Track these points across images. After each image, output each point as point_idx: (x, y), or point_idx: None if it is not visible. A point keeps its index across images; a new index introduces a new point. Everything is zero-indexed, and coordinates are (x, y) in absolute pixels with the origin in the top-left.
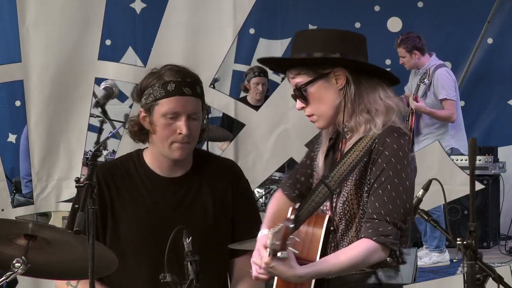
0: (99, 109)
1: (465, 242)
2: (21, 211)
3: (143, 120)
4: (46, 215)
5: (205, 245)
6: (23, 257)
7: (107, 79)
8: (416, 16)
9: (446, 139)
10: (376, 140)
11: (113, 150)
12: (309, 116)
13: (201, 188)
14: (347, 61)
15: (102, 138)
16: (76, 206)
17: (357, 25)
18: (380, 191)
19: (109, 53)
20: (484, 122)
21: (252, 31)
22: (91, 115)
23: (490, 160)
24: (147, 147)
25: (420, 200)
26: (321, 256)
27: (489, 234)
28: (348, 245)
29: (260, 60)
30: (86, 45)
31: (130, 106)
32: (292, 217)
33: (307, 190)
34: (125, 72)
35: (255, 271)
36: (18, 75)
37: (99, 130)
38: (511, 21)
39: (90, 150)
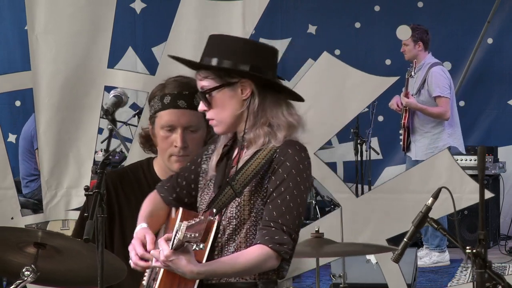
0: (109, 117)
1: (474, 251)
2: (30, 220)
3: (151, 131)
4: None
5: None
6: (32, 265)
7: (116, 87)
8: (416, 16)
9: (444, 138)
10: (278, 151)
11: (120, 151)
12: (209, 119)
13: None
14: (254, 76)
15: (111, 146)
16: (85, 214)
17: (357, 25)
18: (279, 201)
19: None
20: (484, 122)
21: (252, 31)
22: (102, 117)
23: (490, 160)
24: (157, 156)
25: (429, 208)
26: (207, 259)
27: (489, 234)
28: (235, 249)
29: (172, 57)
30: (95, 53)
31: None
32: (215, 210)
33: (187, 195)
34: (135, 80)
35: (154, 261)
36: (28, 83)
37: (108, 138)
38: (511, 21)
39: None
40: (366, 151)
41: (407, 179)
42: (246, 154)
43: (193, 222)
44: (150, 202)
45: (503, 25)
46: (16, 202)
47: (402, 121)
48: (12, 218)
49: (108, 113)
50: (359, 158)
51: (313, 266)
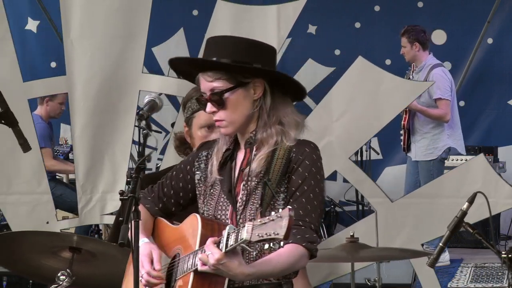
0: (143, 122)
1: (510, 255)
2: (65, 224)
3: (186, 134)
4: None
5: None
6: (68, 269)
7: (151, 91)
8: (416, 16)
9: (443, 139)
10: (294, 150)
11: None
12: (218, 120)
13: None
14: (274, 73)
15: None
16: (120, 219)
17: (357, 25)
18: (304, 199)
19: None
20: (484, 122)
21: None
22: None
23: (490, 160)
24: None
25: (465, 213)
26: None
27: (489, 234)
28: (257, 252)
29: (174, 60)
30: (130, 58)
31: None
32: (290, 206)
33: (174, 204)
34: (169, 84)
35: (200, 265)
36: (63, 88)
37: (143, 143)
38: (511, 21)
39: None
40: (366, 151)
41: (442, 184)
42: (259, 155)
43: (263, 221)
44: None
45: (503, 25)
46: (51, 207)
47: (402, 123)
48: (47, 223)
49: (143, 118)
50: (359, 158)
51: (347, 270)
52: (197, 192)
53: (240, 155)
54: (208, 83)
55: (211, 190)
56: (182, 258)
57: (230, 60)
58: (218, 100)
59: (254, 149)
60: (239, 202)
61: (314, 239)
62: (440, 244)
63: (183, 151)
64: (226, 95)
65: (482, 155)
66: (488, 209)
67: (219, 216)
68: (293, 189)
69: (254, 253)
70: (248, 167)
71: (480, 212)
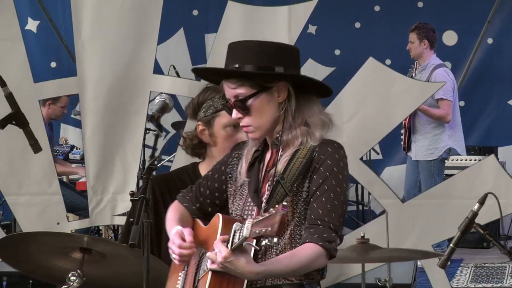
0: (154, 123)
1: None
2: (76, 225)
3: (201, 133)
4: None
5: None
6: (78, 270)
7: (162, 92)
8: (416, 16)
9: (444, 139)
10: (317, 149)
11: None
12: (245, 126)
13: None
14: (295, 77)
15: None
16: (131, 219)
17: (357, 25)
18: (324, 199)
19: None
20: (484, 122)
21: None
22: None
23: None
24: (203, 161)
25: (475, 214)
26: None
27: (498, 235)
28: (279, 252)
29: (196, 69)
30: (141, 58)
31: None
32: (285, 203)
33: (210, 205)
34: (180, 86)
35: (210, 264)
36: (74, 88)
37: (154, 144)
38: (511, 21)
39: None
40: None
41: (453, 185)
42: (284, 156)
43: (260, 218)
44: (177, 211)
45: (503, 25)
46: (62, 208)
47: (403, 122)
48: (58, 224)
49: (154, 119)
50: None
51: (358, 271)
52: (228, 193)
53: (268, 156)
54: (232, 90)
55: (240, 191)
56: (205, 258)
57: (252, 66)
58: (242, 106)
59: (281, 149)
60: (264, 203)
61: (332, 239)
62: (451, 245)
63: (196, 150)
64: (250, 101)
65: (493, 156)
66: (499, 210)
67: (245, 217)
68: (314, 188)
69: (275, 252)
70: (273, 168)
71: (491, 213)
